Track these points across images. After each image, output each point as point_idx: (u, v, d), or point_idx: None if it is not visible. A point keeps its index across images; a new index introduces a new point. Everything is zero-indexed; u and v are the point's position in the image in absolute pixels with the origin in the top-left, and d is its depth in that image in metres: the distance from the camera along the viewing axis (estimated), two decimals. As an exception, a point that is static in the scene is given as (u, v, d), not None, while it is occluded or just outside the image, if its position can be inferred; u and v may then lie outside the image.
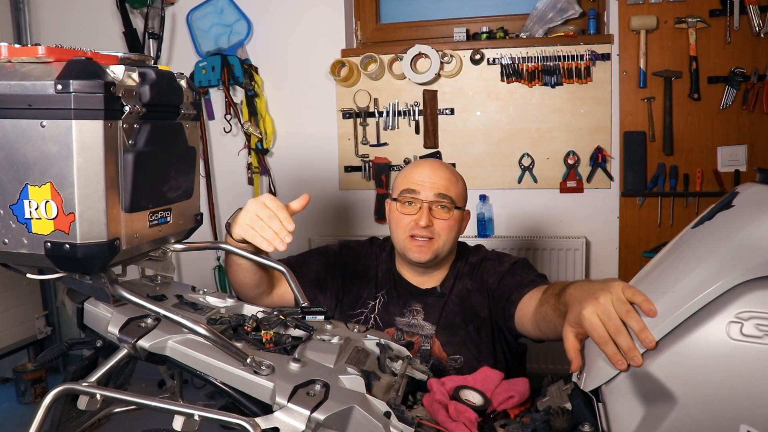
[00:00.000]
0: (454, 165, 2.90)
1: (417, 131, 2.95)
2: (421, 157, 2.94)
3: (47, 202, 0.90)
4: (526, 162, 2.87)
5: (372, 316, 1.63)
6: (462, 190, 1.63)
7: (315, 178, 3.11)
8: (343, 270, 1.69)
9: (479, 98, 2.89)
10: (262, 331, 1.09)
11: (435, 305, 1.62)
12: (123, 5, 3.01)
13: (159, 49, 3.02)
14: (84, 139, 0.89)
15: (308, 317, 1.18)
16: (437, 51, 2.82)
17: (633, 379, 0.92)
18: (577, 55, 2.74)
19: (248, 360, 0.96)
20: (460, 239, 1.68)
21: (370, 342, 1.20)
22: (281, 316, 1.15)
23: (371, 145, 3.01)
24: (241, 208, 1.35)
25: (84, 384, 0.94)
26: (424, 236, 1.55)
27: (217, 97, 3.14)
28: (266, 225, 1.27)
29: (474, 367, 1.20)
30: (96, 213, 0.92)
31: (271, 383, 0.94)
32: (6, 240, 0.93)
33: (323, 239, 2.99)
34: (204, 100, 3.13)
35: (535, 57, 2.78)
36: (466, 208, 1.67)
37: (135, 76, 0.97)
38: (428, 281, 1.65)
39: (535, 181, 2.86)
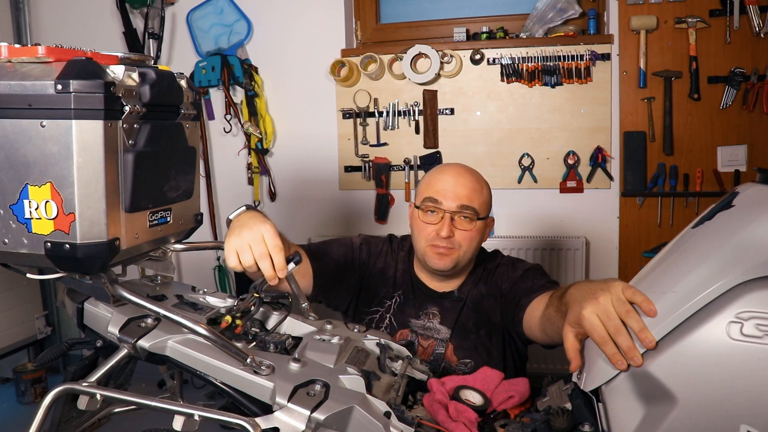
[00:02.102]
0: (454, 165, 2.92)
1: (417, 131, 2.95)
2: (421, 158, 2.94)
3: (47, 202, 0.90)
4: (526, 162, 2.87)
5: (388, 315, 1.63)
6: (486, 198, 1.58)
7: (315, 178, 3.11)
8: (362, 266, 1.67)
9: (479, 98, 2.89)
10: (237, 321, 1.09)
11: (452, 309, 1.60)
12: (123, 5, 3.01)
13: (159, 49, 3.02)
14: (84, 139, 0.89)
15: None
16: (437, 51, 2.82)
17: (633, 379, 0.92)
18: (577, 55, 2.74)
19: (248, 360, 0.96)
20: None
21: (370, 342, 1.20)
22: (255, 293, 1.14)
23: (371, 145, 3.01)
24: (250, 207, 1.29)
25: (84, 384, 0.94)
26: (445, 247, 1.53)
27: (217, 97, 3.14)
28: (253, 258, 1.16)
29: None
30: (96, 213, 0.92)
31: (271, 383, 0.94)
32: (6, 240, 0.93)
33: (324, 239, 2.98)
34: (204, 100, 3.13)
35: (535, 57, 2.78)
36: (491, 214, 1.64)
37: (135, 76, 0.98)
38: (446, 286, 1.63)
39: (535, 181, 2.86)
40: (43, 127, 0.89)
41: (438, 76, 2.88)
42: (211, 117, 3.16)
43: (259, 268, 1.16)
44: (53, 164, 0.89)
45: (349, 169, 3.05)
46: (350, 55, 2.97)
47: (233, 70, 2.99)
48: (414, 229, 1.60)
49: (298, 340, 1.14)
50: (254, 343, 1.11)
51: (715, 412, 0.84)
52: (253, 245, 1.17)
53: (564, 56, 2.75)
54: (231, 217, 1.28)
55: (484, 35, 2.88)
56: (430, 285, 1.63)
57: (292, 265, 1.18)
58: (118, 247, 0.96)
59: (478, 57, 2.85)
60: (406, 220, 1.73)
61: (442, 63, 2.83)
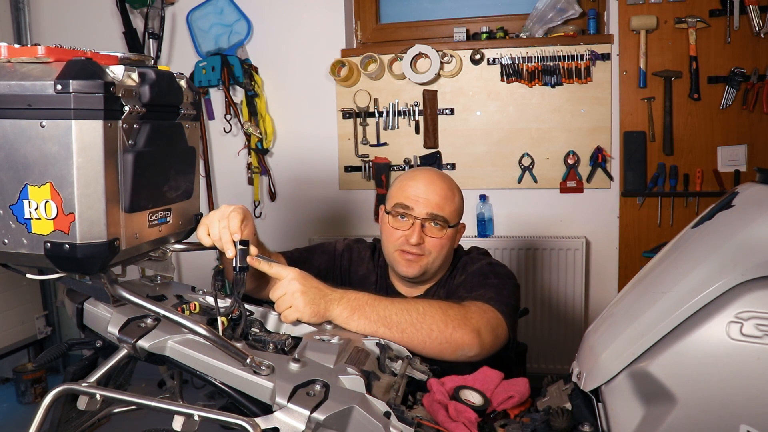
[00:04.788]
0: (453, 165, 2.92)
1: (417, 131, 2.95)
2: (421, 158, 2.94)
3: (47, 202, 0.90)
4: (526, 162, 2.86)
5: None
6: (458, 206, 1.58)
7: (315, 178, 3.11)
8: (343, 273, 1.68)
9: (479, 98, 2.89)
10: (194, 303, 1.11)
11: None
12: (123, 5, 3.01)
13: (159, 49, 3.02)
14: (84, 139, 0.89)
15: None
16: (437, 51, 2.82)
17: (633, 379, 0.92)
18: (577, 55, 2.74)
19: (248, 360, 0.96)
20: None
21: (370, 342, 1.20)
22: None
23: (371, 145, 3.01)
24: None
25: (84, 384, 0.94)
26: (414, 253, 1.53)
27: (217, 97, 3.14)
28: (217, 230, 1.24)
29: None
30: (96, 213, 0.92)
31: (271, 383, 0.94)
32: (6, 240, 0.93)
33: (323, 239, 2.99)
34: (204, 100, 3.13)
35: (535, 57, 2.78)
36: (462, 219, 1.62)
37: (135, 76, 0.97)
38: (416, 291, 1.63)
39: (535, 181, 2.86)
40: (42, 127, 0.89)
41: (438, 76, 2.87)
42: (211, 117, 3.16)
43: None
44: (53, 164, 0.89)
45: (349, 169, 3.05)
46: (350, 55, 2.97)
47: (233, 70, 2.99)
48: (383, 233, 1.59)
49: (297, 340, 1.14)
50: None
51: (715, 412, 0.84)
52: (220, 217, 1.24)
53: (564, 56, 2.75)
54: None
55: (484, 35, 2.88)
56: (401, 291, 1.64)
57: (237, 235, 1.21)
58: (117, 248, 0.96)
59: (478, 57, 2.85)
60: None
61: (442, 63, 2.83)
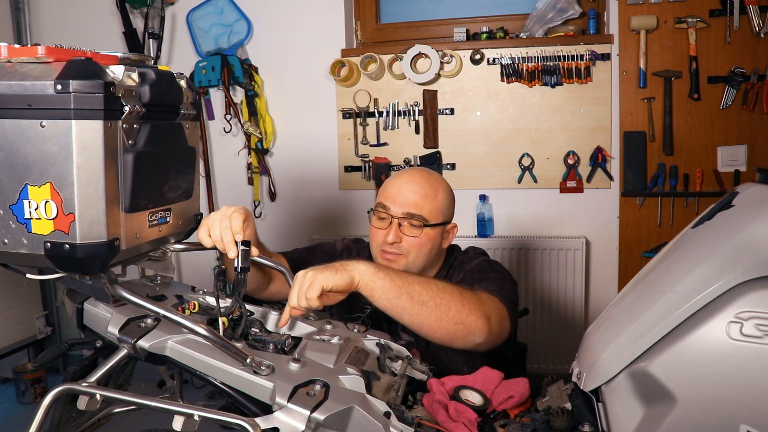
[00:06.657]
0: (453, 165, 2.92)
1: (417, 131, 2.95)
2: (421, 158, 2.94)
3: (47, 202, 0.90)
4: (526, 162, 2.86)
5: (368, 321, 1.62)
6: (441, 205, 1.56)
7: (315, 178, 3.11)
8: None
9: (479, 98, 2.89)
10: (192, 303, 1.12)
11: None
12: (123, 5, 3.01)
13: (159, 49, 3.02)
14: (84, 139, 0.89)
15: None
16: (437, 51, 2.82)
17: (633, 379, 0.92)
18: (577, 55, 2.74)
19: (248, 360, 0.96)
20: (454, 242, 1.67)
21: (370, 342, 1.20)
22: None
23: (371, 145, 3.01)
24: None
25: (84, 384, 0.94)
26: (392, 252, 1.53)
27: (217, 97, 3.14)
28: (219, 231, 1.24)
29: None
30: (96, 213, 0.92)
31: (270, 383, 0.94)
32: (6, 240, 0.93)
33: (323, 239, 2.99)
34: (204, 100, 3.13)
35: (535, 57, 2.78)
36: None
37: (135, 76, 0.97)
38: None
39: (535, 181, 2.86)
40: (42, 127, 0.89)
41: (438, 76, 2.88)
42: (211, 117, 3.16)
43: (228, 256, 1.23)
44: (53, 164, 0.89)
45: (349, 169, 3.05)
46: (350, 55, 2.97)
47: (233, 70, 2.99)
48: (369, 234, 1.61)
49: (297, 340, 1.14)
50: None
51: (715, 412, 0.84)
52: (222, 219, 1.24)
53: (564, 56, 2.75)
54: None
55: (484, 35, 2.88)
56: None
57: (239, 236, 1.21)
58: (117, 248, 0.96)
59: (478, 57, 2.85)
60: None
61: (442, 63, 2.83)
